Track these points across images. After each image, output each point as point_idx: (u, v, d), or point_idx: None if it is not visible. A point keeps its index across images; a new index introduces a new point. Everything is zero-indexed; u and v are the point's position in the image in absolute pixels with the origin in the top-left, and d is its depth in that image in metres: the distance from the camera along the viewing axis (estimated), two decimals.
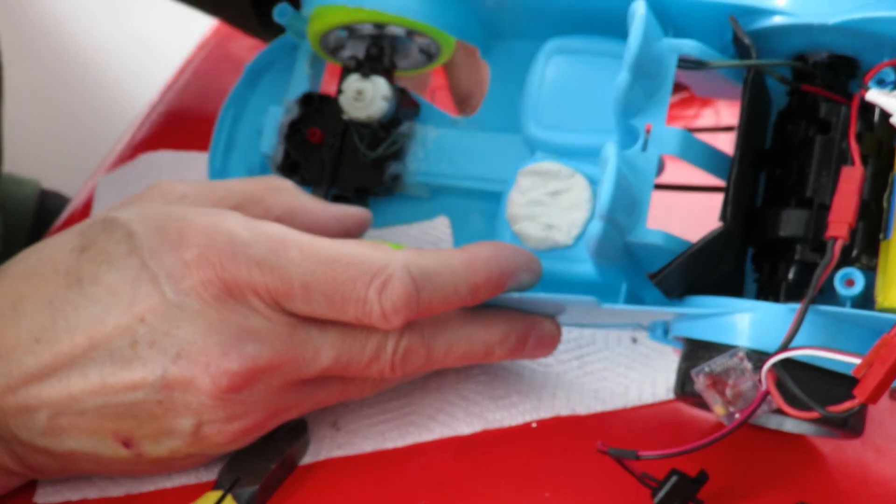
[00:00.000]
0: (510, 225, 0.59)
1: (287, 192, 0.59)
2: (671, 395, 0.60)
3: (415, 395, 0.61)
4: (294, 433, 0.58)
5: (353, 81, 0.64)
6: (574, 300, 0.56)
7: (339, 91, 0.64)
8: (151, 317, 0.53)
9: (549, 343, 0.59)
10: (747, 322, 0.53)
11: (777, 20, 0.56)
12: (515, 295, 0.57)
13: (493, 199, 0.62)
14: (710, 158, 0.58)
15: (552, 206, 0.59)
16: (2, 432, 0.55)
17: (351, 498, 0.57)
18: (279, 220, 0.57)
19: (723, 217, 0.54)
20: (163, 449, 0.55)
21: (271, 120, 0.65)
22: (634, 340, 0.63)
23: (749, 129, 0.56)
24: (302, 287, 0.53)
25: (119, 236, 0.54)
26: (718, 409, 0.52)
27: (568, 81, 0.60)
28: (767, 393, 0.50)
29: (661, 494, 0.52)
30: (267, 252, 0.53)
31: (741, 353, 0.51)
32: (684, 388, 0.55)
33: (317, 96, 0.65)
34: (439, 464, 0.58)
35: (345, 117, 0.64)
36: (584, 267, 0.58)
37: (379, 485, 0.57)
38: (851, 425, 0.53)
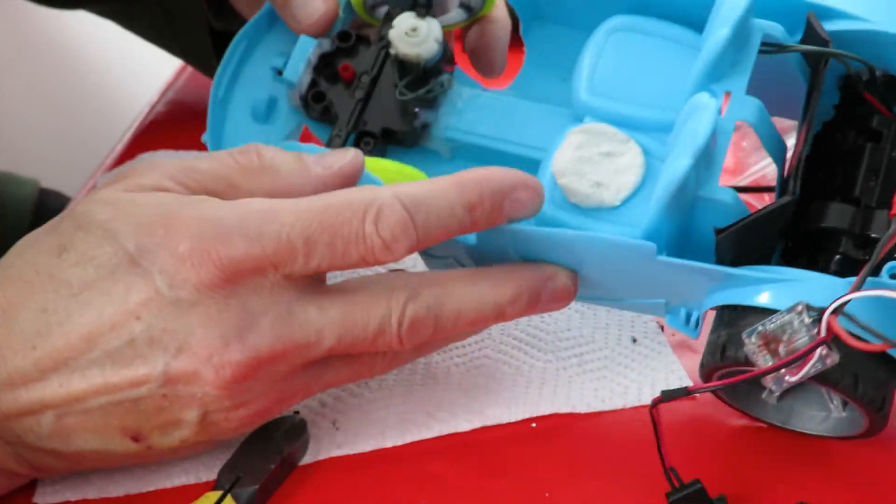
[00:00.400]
0: (556, 178, 0.58)
1: (267, 172, 0.57)
2: None
3: (414, 393, 0.61)
4: (294, 433, 0.58)
5: (408, 18, 0.62)
6: (629, 244, 0.55)
7: (390, 26, 0.62)
8: (147, 314, 0.53)
9: (564, 296, 0.57)
10: (804, 288, 0.53)
11: (846, 25, 0.57)
12: (570, 232, 0.56)
13: (516, 165, 0.61)
14: (772, 136, 0.58)
15: (602, 165, 0.57)
16: (6, 436, 0.55)
17: (351, 497, 0.57)
18: None
19: (792, 191, 0.55)
20: (172, 439, 0.55)
21: (301, 49, 0.63)
22: (634, 340, 0.63)
23: (815, 114, 0.57)
24: (304, 243, 0.53)
25: (99, 237, 0.54)
26: None
27: (627, 57, 0.60)
28: (826, 340, 0.49)
29: (676, 497, 0.52)
30: (260, 225, 0.53)
31: (800, 307, 0.50)
32: (725, 353, 0.54)
33: (354, 34, 0.63)
34: (439, 462, 0.58)
35: (392, 51, 0.62)
36: (628, 230, 0.56)
37: (379, 484, 0.58)
38: (884, 413, 0.53)
